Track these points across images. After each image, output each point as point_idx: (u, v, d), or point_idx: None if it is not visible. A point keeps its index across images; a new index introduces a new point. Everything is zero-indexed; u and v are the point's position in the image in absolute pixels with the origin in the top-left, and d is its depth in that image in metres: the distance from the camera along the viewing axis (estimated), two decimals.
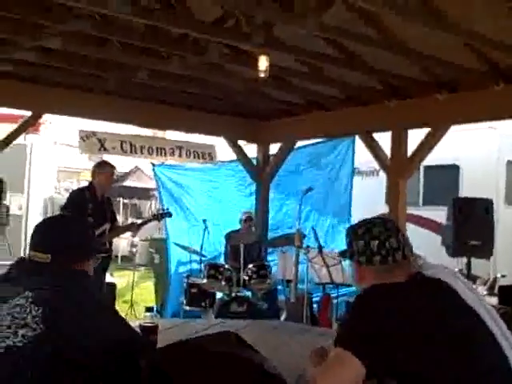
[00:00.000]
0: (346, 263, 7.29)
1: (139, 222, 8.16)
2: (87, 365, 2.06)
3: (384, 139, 7.60)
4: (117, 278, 10.90)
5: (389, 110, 7.29)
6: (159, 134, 14.46)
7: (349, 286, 7.75)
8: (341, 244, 8.70)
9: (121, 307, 8.49)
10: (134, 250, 14.80)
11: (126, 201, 20.20)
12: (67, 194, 8.54)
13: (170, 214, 7.58)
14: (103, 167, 6.94)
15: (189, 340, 2.47)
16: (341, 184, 9.98)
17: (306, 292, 7.06)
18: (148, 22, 5.30)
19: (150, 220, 7.76)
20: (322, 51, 6.07)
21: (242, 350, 2.35)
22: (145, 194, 20.05)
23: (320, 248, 7.17)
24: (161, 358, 2.26)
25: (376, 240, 2.40)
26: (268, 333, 3.71)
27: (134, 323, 2.50)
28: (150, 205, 20.88)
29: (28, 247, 2.39)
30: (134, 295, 9.83)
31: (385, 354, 2.08)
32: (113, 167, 7.02)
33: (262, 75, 5.60)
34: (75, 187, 15.87)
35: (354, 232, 2.48)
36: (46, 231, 2.44)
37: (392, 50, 5.73)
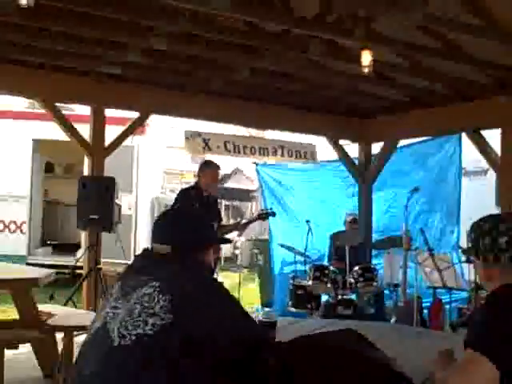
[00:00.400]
0: (458, 266, 7.01)
1: (244, 221, 8.22)
2: (216, 353, 2.07)
3: (493, 137, 7.30)
4: (220, 278, 10.97)
5: (498, 105, 7.00)
6: (257, 133, 14.51)
7: (462, 290, 7.41)
8: (450, 247, 8.29)
9: None
10: (237, 251, 14.92)
11: (227, 202, 20.43)
12: (173, 195, 8.67)
13: (273, 214, 7.59)
14: (208, 166, 6.99)
15: (311, 335, 2.43)
16: (449, 184, 9.63)
17: (416, 296, 6.84)
18: (248, 19, 5.29)
19: (255, 219, 7.88)
20: (425, 44, 5.87)
21: (366, 349, 2.28)
22: (245, 195, 20.23)
23: (430, 250, 6.93)
24: (285, 353, 2.22)
25: (504, 236, 2.24)
26: (384, 334, 3.61)
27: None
28: (251, 206, 21.05)
29: (149, 241, 2.45)
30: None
31: None
32: (218, 166, 7.06)
33: (366, 70, 5.48)
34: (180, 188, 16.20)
35: (479, 228, 2.34)
36: (165, 223, 2.49)
37: (500, 40, 5.44)
